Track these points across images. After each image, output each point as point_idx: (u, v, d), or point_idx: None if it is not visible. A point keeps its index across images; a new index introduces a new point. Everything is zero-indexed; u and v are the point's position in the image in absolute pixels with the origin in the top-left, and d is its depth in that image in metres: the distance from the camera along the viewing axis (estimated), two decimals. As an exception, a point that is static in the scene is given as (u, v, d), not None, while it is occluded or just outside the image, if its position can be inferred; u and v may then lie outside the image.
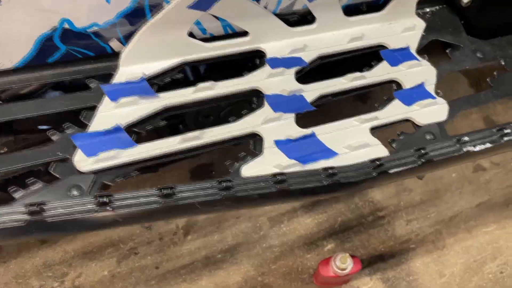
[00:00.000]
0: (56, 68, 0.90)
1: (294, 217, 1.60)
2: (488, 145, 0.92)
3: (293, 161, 0.86)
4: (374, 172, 0.85)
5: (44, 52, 0.86)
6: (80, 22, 0.84)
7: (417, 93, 1.01)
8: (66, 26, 0.83)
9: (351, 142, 0.91)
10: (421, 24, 1.15)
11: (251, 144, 0.90)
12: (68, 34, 0.85)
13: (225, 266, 1.50)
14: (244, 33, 1.02)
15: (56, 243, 1.49)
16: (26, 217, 0.68)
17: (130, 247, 1.50)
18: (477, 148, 0.91)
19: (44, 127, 1.07)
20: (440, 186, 1.69)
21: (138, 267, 1.47)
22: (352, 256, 1.27)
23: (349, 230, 1.59)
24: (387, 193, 1.67)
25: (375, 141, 0.92)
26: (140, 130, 0.88)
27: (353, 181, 0.84)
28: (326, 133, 0.92)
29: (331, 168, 0.83)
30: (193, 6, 0.89)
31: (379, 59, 1.08)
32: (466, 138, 0.91)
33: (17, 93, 0.97)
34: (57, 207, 0.70)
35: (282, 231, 1.57)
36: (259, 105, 0.96)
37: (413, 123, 0.99)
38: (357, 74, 1.01)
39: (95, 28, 0.86)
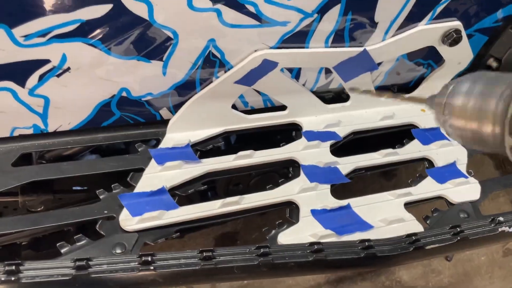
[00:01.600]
0: (108, 131, 0.97)
1: (318, 293, 1.56)
2: (524, 226, 0.92)
3: (329, 232, 0.88)
4: (410, 247, 0.85)
5: (100, 117, 0.94)
6: (137, 92, 0.92)
7: (450, 172, 1.03)
8: (124, 94, 0.91)
9: (386, 216, 0.92)
10: (449, 107, 1.20)
11: (287, 213, 0.93)
12: (124, 101, 0.92)
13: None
14: (282, 107, 1.08)
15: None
16: (72, 271, 0.70)
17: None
18: (512, 229, 0.91)
19: (78, 188, 1.13)
20: (469, 269, 1.65)
21: None
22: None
23: (376, 311, 1.53)
24: (415, 273, 1.63)
25: (410, 216, 0.94)
26: (182, 193, 0.92)
27: (389, 255, 0.84)
28: (361, 205, 0.94)
29: (368, 240, 0.84)
30: (239, 82, 0.96)
31: (410, 138, 1.12)
32: (501, 219, 0.92)
33: (62, 153, 1.04)
34: (102, 263, 0.72)
35: (305, 307, 1.53)
36: (295, 175, 0.99)
37: (446, 200, 1.00)
38: (390, 150, 1.05)
39: (149, 97, 0.94)
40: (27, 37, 0.75)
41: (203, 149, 1.01)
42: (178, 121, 0.99)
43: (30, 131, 0.90)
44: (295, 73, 1.03)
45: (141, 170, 0.93)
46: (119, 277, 0.73)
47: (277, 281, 1.57)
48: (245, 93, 1.02)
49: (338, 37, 0.97)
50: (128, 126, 0.99)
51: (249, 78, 0.96)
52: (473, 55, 1.14)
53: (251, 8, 0.85)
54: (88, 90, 0.87)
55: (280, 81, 1.00)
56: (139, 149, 0.97)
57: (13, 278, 0.68)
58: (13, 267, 0.68)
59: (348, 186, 1.04)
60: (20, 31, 0.74)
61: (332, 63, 1.01)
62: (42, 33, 0.76)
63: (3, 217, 0.85)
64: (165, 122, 1.00)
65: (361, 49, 1.01)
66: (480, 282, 1.61)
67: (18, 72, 0.80)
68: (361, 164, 1.03)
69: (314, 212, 0.90)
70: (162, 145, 0.98)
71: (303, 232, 0.88)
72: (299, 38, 0.94)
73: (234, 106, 1.04)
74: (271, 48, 0.94)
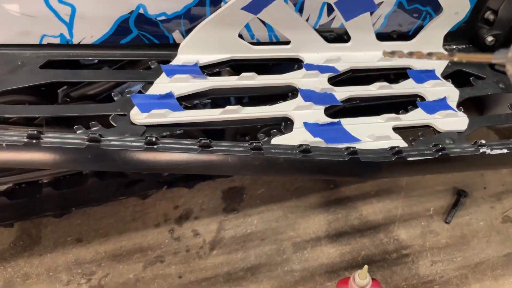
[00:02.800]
0: (125, 49, 1.07)
1: (317, 245, 1.62)
2: (505, 150, 0.97)
3: (318, 139, 0.95)
4: (393, 157, 0.92)
5: (118, 33, 1.04)
6: (153, 10, 1.02)
7: (440, 105, 1.10)
8: (141, 11, 1.01)
9: (374, 133, 0.99)
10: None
11: (282, 126, 1.01)
12: (141, 19, 1.03)
13: (245, 284, 1.52)
14: (286, 43, 1.17)
15: (89, 243, 1.59)
16: (86, 142, 0.80)
17: (157, 255, 1.57)
18: (494, 152, 0.97)
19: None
20: (467, 233, 1.69)
21: (162, 274, 1.52)
22: (372, 279, 1.28)
23: (372, 265, 1.59)
24: (413, 233, 1.67)
25: (397, 136, 1.00)
26: (187, 104, 1.01)
27: (373, 162, 0.91)
28: (350, 124, 1.01)
29: (353, 147, 0.91)
30: (245, 8, 1.05)
31: (406, 79, 1.19)
32: (483, 141, 0.98)
33: (86, 93, 1.14)
34: (112, 140, 0.82)
35: (304, 257, 1.60)
36: (293, 98, 1.07)
37: (434, 129, 1.06)
38: (385, 83, 1.12)
39: (163, 17, 1.04)
40: None
41: (210, 72, 1.10)
42: (188, 44, 1.09)
43: (57, 41, 1.01)
44: (299, 7, 1.11)
45: (153, 83, 1.02)
46: (125, 154, 0.82)
47: (278, 232, 1.65)
48: (252, 24, 1.11)
49: (339, -28, 1.05)
50: (144, 46, 1.09)
51: (255, 5, 1.05)
52: (470, 5, 1.20)
53: None
54: (109, 3, 0.98)
55: (284, 12, 1.09)
56: (152, 66, 1.07)
57: (34, 141, 0.78)
58: (35, 132, 0.79)
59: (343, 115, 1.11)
60: None
61: (333, -2, 1.09)
62: None
63: (29, 105, 0.96)
64: (176, 46, 1.10)
65: (354, -14, 1.08)
66: (477, 245, 1.65)
67: (50, -23, 0.91)
68: (356, 93, 1.10)
69: (306, 124, 0.98)
70: (173, 63, 1.07)
71: (295, 139, 0.95)
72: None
73: (241, 38, 1.13)
74: (275, -25, 1.02)
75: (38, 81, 0.95)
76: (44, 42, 1.00)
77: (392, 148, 0.93)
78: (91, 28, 1.01)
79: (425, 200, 1.76)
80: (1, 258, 1.51)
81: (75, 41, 1.02)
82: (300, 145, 0.89)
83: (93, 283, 1.49)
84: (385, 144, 0.96)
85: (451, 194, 1.79)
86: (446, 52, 1.29)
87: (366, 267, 1.24)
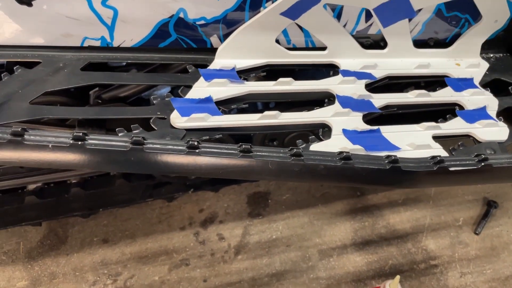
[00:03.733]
0: (164, 52, 1.08)
1: (344, 253, 1.61)
2: (550, 163, 0.95)
3: (358, 147, 0.94)
4: (434, 167, 0.90)
5: (158, 37, 1.05)
6: (193, 14, 1.02)
7: (479, 115, 1.08)
8: (181, 15, 1.02)
9: (414, 142, 0.98)
10: (484, 64, 1.25)
11: (320, 132, 1.00)
12: (181, 23, 1.03)
13: (270, 290, 1.51)
14: (322, 49, 1.16)
15: (116, 244, 1.60)
16: (129, 144, 0.80)
17: (182, 258, 1.57)
18: (538, 164, 0.95)
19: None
20: (498, 244, 1.65)
21: (187, 277, 1.52)
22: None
23: (400, 275, 1.57)
24: (442, 243, 1.65)
25: (437, 145, 0.99)
26: (225, 109, 1.01)
27: (414, 171, 0.90)
28: (390, 132, 1.00)
29: (394, 155, 0.90)
30: (284, 13, 1.05)
31: (443, 87, 1.17)
32: (527, 152, 0.96)
33: (118, 95, 1.15)
34: (155, 143, 0.82)
35: (330, 265, 1.58)
36: (330, 104, 1.07)
37: (474, 139, 1.04)
38: (423, 91, 1.11)
39: (202, 22, 1.04)
40: None
41: (246, 77, 1.10)
42: (226, 48, 1.09)
43: (98, 43, 1.02)
44: (337, 13, 1.11)
45: (190, 87, 1.03)
46: (167, 157, 0.83)
47: (304, 238, 1.63)
48: (289, 29, 1.11)
49: (380, -22, 1.04)
50: (181, 50, 1.09)
51: (294, 11, 1.05)
52: (510, 14, 1.18)
53: None
54: (151, 6, 0.99)
55: (322, 17, 1.08)
56: (190, 70, 1.07)
57: (79, 143, 0.79)
58: (81, 134, 0.79)
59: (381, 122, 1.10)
60: None
61: (373, 4, 1.08)
62: None
63: (72, 107, 0.96)
64: (213, 50, 1.10)
65: (401, -7, 1.07)
66: (508, 257, 1.61)
67: (96, -20, 0.92)
68: (393, 101, 1.09)
69: (345, 132, 0.97)
70: (210, 67, 1.07)
71: (334, 146, 0.95)
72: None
73: (278, 43, 1.13)
74: (316, -18, 1.02)
75: (79, 83, 0.96)
76: (85, 44, 1.01)
77: (433, 157, 0.91)
78: (131, 31, 1.02)
79: (454, 210, 1.74)
80: (28, 256, 1.53)
81: (115, 44, 1.03)
82: (341, 152, 0.88)
83: (119, 284, 1.49)
84: (425, 153, 0.95)
85: (481, 204, 1.76)
86: (483, 60, 1.27)
87: (398, 277, 1.23)
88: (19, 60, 0.98)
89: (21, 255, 1.53)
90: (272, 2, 1.04)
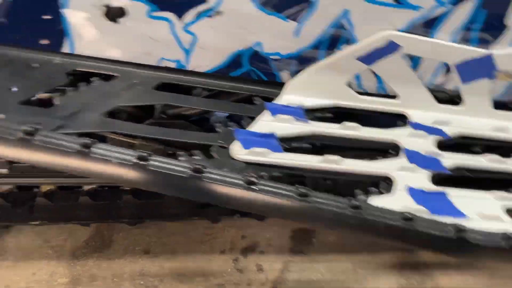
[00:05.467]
0: (235, 81, 1.09)
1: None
2: None
3: (421, 207, 0.89)
4: (505, 244, 0.83)
5: (231, 66, 1.06)
6: (268, 48, 1.03)
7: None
8: (257, 48, 1.02)
9: (482, 211, 0.91)
10: None
11: (381, 185, 0.96)
12: (255, 55, 1.04)
13: (303, 331, 1.45)
14: (393, 96, 1.12)
15: (156, 257, 1.61)
16: (189, 171, 0.80)
17: (218, 283, 1.55)
18: None
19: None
20: None
21: (220, 303, 1.50)
22: None
23: None
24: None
25: (508, 218, 0.91)
26: (287, 146, 1.00)
27: (481, 244, 0.83)
28: (457, 196, 0.94)
29: (461, 225, 0.84)
30: (361, 58, 1.03)
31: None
32: None
33: (181, 112, 1.17)
34: (214, 173, 0.82)
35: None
36: (395, 156, 1.02)
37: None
38: (498, 157, 1.04)
39: (276, 57, 1.05)
40: (198, -27, 0.90)
41: (312, 116, 1.08)
42: (296, 85, 1.08)
43: (174, 65, 1.05)
44: (415, 63, 1.07)
45: (253, 118, 1.02)
46: (224, 189, 0.82)
47: (344, 285, 1.57)
48: (362, 73, 1.08)
49: (466, 34, 1.00)
50: (251, 81, 1.10)
51: (371, 57, 1.03)
52: None
53: (390, -14, 0.92)
54: (230, 37, 1.00)
55: (399, 67, 1.05)
56: (256, 102, 1.07)
57: (141, 163, 0.80)
58: (145, 154, 0.80)
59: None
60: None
61: (455, 60, 1.04)
62: (210, -27, 0.90)
63: (139, 124, 0.99)
64: (282, 84, 1.10)
65: (487, 52, 1.02)
66: None
67: (180, 5, 0.95)
68: (465, 163, 1.02)
69: (410, 190, 0.92)
70: (277, 101, 1.07)
71: (395, 203, 0.90)
72: (427, 26, 0.99)
73: (349, 85, 1.10)
74: (398, 30, 0.99)
75: (150, 102, 0.99)
76: (162, 64, 1.04)
77: (504, 234, 0.84)
78: (207, 58, 1.04)
79: (516, 284, 1.60)
80: (73, 255, 1.57)
81: (190, 67, 1.05)
82: (403, 212, 0.83)
83: (153, 298, 1.49)
84: (495, 226, 0.88)
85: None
86: None
87: None
88: (98, 71, 1.02)
89: (66, 252, 1.58)
90: (348, 45, 1.02)
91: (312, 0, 0.94)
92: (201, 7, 0.95)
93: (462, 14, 0.96)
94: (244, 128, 1.00)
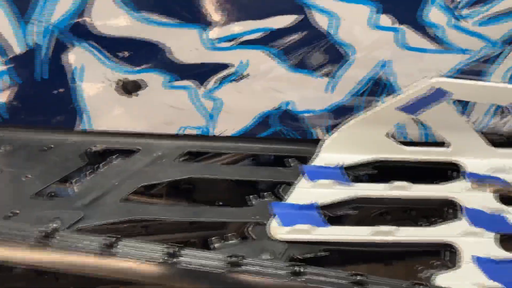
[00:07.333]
0: (265, 143, 0.99)
1: None
2: None
3: (497, 284, 0.76)
4: None
5: (259, 127, 0.97)
6: (299, 106, 0.93)
7: None
8: (286, 107, 0.93)
9: None
10: None
11: (445, 255, 0.84)
12: (285, 115, 0.95)
13: None
14: (439, 144, 1.01)
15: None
16: (226, 265, 0.70)
17: None
18: None
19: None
20: None
21: None
22: None
23: None
24: None
25: None
26: (330, 214, 0.89)
27: None
28: (536, 263, 0.81)
29: (547, 303, 0.71)
30: (403, 108, 0.92)
31: None
32: None
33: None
34: (254, 264, 0.72)
35: None
36: (454, 217, 0.90)
37: None
38: None
39: (309, 114, 0.95)
40: (218, 40, 0.82)
41: (353, 174, 0.98)
42: (333, 141, 0.98)
43: (198, 132, 0.96)
44: (465, 107, 0.96)
45: (290, 184, 0.92)
46: (266, 282, 0.72)
47: None
48: (405, 122, 0.98)
49: (521, 73, 0.89)
50: (283, 140, 1.00)
51: (416, 106, 0.92)
52: None
53: (433, 31, 0.82)
54: (256, 99, 0.92)
55: (447, 114, 0.95)
56: (292, 164, 0.97)
57: (171, 261, 0.71)
58: (174, 250, 0.71)
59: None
60: (213, 33, 0.81)
61: (510, 101, 0.93)
62: (232, 38, 0.81)
63: (166, 205, 0.91)
64: (317, 141, 1.00)
65: (546, 89, 0.91)
66: None
67: (202, 73, 0.86)
68: (535, 217, 0.89)
69: (478, 260, 0.80)
70: (314, 163, 0.97)
71: (464, 279, 0.78)
72: (477, 69, 0.88)
73: (391, 135, 1.00)
74: (444, 76, 0.89)
75: (175, 177, 0.90)
76: (185, 132, 0.96)
77: None
78: (233, 121, 0.95)
79: None
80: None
81: (215, 132, 0.96)
82: (477, 294, 0.71)
83: None
84: None
85: None
86: None
87: None
88: (117, 147, 0.95)
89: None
90: (391, 97, 0.92)
91: (347, 54, 0.84)
92: (223, 73, 0.86)
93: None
94: (281, 196, 0.90)
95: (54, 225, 0.75)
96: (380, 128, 0.98)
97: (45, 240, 0.71)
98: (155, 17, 0.81)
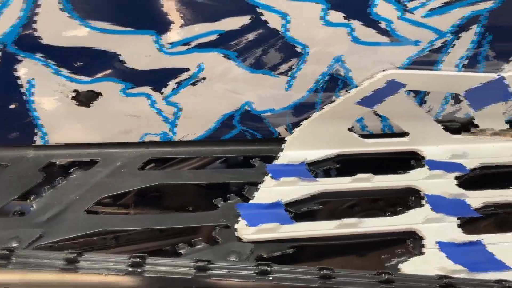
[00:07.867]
0: (227, 145, 0.99)
1: None
2: None
3: (459, 267, 0.79)
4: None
5: (221, 130, 0.96)
6: (259, 106, 0.93)
7: None
8: (247, 108, 0.93)
9: (527, 258, 0.81)
10: None
11: (409, 243, 0.86)
12: (246, 115, 0.95)
13: None
14: (402, 134, 1.03)
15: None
16: (193, 271, 0.70)
17: None
18: None
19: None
20: None
21: None
22: None
23: None
24: None
25: (558, 261, 0.81)
26: (295, 211, 0.90)
27: (535, 302, 0.73)
28: (495, 243, 0.84)
29: (507, 281, 0.74)
30: (361, 102, 0.94)
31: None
32: None
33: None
34: (221, 267, 0.71)
35: None
36: (416, 205, 0.92)
37: None
38: (527, 187, 0.94)
39: (269, 113, 0.95)
40: (172, 44, 0.81)
41: (317, 169, 0.99)
42: (295, 139, 0.99)
43: (158, 138, 0.95)
44: (420, 97, 0.98)
45: (256, 184, 0.93)
46: (235, 284, 0.72)
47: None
48: (364, 115, 0.99)
49: (472, 61, 0.92)
50: (246, 142, 1.00)
51: (372, 99, 0.94)
52: None
53: (383, 25, 0.84)
54: (216, 101, 0.91)
55: (404, 104, 0.97)
56: (255, 164, 0.97)
57: (137, 270, 0.70)
58: (140, 259, 0.70)
59: (478, 224, 0.95)
60: (167, 38, 0.80)
61: (463, 89, 0.96)
62: (186, 42, 0.81)
63: (129, 216, 0.89)
64: (280, 140, 1.00)
65: (496, 75, 0.94)
66: None
67: (158, 78, 0.86)
68: (493, 200, 0.93)
69: (441, 245, 0.82)
70: (278, 161, 0.97)
71: (429, 264, 0.80)
72: (429, 59, 0.91)
73: (352, 130, 1.01)
74: (398, 68, 0.91)
75: (138, 186, 0.89)
76: (146, 140, 0.95)
77: (559, 284, 0.74)
78: (194, 126, 0.95)
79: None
80: None
81: (177, 138, 0.95)
82: (441, 278, 0.73)
83: None
84: (545, 274, 0.77)
85: None
86: None
87: None
88: (76, 159, 0.93)
89: None
90: (348, 91, 0.93)
91: (301, 51, 0.85)
92: (180, 77, 0.85)
93: (466, 41, 0.88)
94: (247, 197, 0.90)
95: (12, 244, 0.73)
96: (341, 123, 0.99)
97: (3, 261, 0.68)
98: (107, 25, 0.80)
